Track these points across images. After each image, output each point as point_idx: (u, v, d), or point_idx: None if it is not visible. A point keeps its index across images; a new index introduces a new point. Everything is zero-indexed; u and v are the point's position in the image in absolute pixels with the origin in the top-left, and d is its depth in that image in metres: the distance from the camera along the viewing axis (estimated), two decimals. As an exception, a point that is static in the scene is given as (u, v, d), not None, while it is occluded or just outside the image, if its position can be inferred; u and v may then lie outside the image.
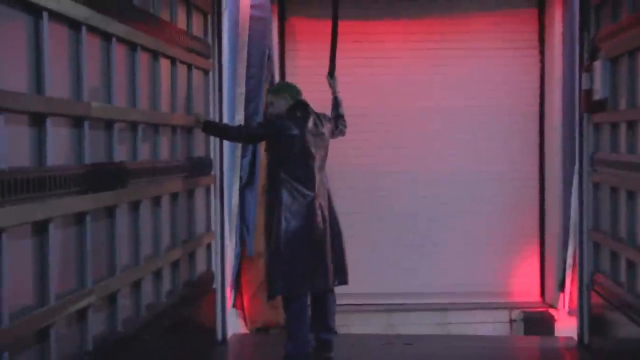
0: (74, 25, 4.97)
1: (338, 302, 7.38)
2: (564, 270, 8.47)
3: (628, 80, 6.88)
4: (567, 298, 8.40)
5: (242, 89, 8.42)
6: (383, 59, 9.71)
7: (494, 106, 9.67)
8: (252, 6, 8.55)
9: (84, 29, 5.03)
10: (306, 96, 7.22)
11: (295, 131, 6.93)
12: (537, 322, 8.61)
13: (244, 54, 8.40)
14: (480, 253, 9.26)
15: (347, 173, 9.29)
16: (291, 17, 9.33)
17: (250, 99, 8.51)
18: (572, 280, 8.26)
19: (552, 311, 8.75)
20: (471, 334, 9.01)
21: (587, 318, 8.07)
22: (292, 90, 7.15)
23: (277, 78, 8.96)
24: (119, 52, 5.66)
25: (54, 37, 4.67)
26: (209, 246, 8.11)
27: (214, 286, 8.17)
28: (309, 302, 7.21)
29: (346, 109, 7.51)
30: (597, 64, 7.60)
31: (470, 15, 9.78)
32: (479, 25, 9.80)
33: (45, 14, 4.53)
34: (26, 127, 4.44)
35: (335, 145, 7.42)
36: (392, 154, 9.52)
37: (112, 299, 5.56)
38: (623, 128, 7.02)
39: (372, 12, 9.51)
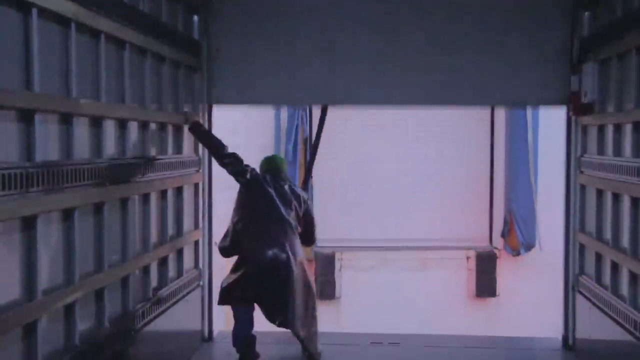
0: (63, 21, 4.98)
1: (354, 244, 11.21)
2: (504, 223, 12.19)
3: (617, 83, 6.91)
4: (506, 242, 12.24)
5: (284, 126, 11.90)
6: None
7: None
8: None
9: (73, 25, 5.04)
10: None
11: (264, 185, 7.41)
12: (485, 258, 12.07)
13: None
14: (447, 212, 12.18)
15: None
16: None
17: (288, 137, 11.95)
18: (509, 230, 12.12)
19: (495, 251, 12.24)
20: (456, 334, 9.08)
21: (571, 319, 8.11)
22: (265, 163, 7.68)
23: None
24: (107, 49, 5.66)
25: (43, 34, 4.67)
26: (196, 243, 8.12)
27: (201, 283, 8.18)
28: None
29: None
30: (586, 67, 7.63)
31: None
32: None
33: (34, 11, 4.53)
34: (14, 123, 4.45)
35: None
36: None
37: (99, 294, 5.57)
38: (610, 130, 7.06)
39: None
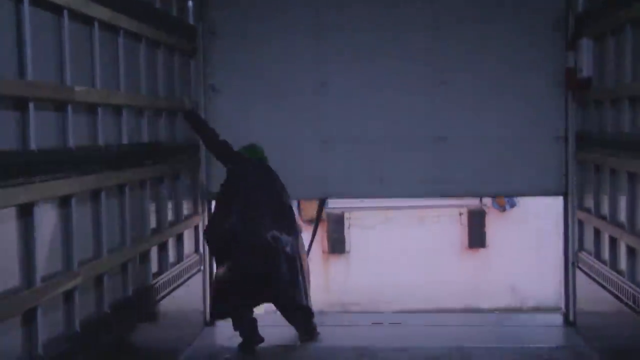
0: (56, 9, 4.98)
1: (360, 205, 12.63)
2: None
3: (613, 58, 6.89)
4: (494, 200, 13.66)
5: None
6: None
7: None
8: None
9: (65, 13, 5.04)
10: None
11: (255, 172, 7.58)
12: (475, 214, 13.63)
13: None
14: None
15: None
16: None
17: None
18: None
19: (484, 208, 13.74)
20: (456, 313, 9.14)
21: (572, 296, 8.14)
22: (248, 152, 7.69)
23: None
24: (101, 36, 5.66)
25: (36, 22, 4.67)
26: (196, 228, 8.14)
27: (201, 267, 8.20)
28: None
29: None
30: (582, 42, 7.60)
31: None
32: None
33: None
34: (9, 111, 4.45)
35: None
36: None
37: (99, 281, 5.59)
38: (608, 106, 7.04)
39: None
